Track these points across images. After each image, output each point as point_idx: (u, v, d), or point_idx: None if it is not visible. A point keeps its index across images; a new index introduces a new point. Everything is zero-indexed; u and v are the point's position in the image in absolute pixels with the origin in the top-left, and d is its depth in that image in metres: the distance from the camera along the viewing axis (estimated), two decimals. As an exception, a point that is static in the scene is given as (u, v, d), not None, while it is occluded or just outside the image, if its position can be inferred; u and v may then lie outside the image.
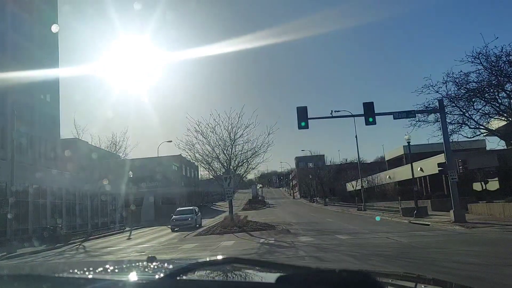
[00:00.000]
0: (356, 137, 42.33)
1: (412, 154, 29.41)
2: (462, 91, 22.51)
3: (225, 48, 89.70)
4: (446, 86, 22.47)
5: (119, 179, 41.71)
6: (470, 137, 24.17)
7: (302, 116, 21.19)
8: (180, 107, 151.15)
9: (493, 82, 21.76)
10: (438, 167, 23.18)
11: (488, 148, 37.71)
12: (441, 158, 30.55)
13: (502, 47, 20.83)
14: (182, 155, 33.55)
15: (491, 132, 24.38)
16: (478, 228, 17.11)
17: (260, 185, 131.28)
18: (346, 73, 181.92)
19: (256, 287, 1.55)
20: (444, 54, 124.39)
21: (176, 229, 28.83)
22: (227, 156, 26.33)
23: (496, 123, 24.61)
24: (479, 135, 24.52)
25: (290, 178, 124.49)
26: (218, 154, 26.59)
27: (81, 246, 21.81)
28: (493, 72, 21.49)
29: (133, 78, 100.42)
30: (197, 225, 30.74)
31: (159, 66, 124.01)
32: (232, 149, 26.29)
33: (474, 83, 22.10)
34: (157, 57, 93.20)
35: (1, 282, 1.55)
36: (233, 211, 26.69)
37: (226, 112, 27.32)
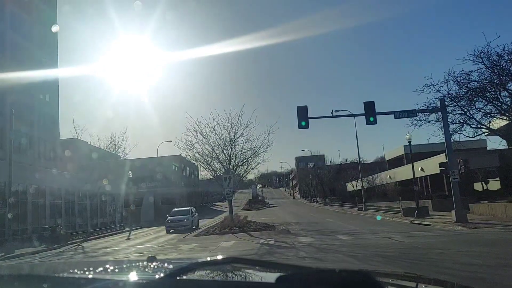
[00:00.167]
0: (356, 136, 42.23)
1: (413, 154, 29.26)
2: (463, 90, 22.36)
3: (225, 48, 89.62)
4: (448, 86, 22.33)
5: (118, 179, 41.61)
6: (472, 137, 24.02)
7: (302, 116, 21.05)
8: (180, 107, 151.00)
9: (495, 81, 21.60)
10: (440, 166, 23.02)
11: (489, 148, 37.60)
12: (442, 158, 30.38)
13: (504, 46, 20.66)
14: (182, 155, 33.35)
15: (493, 132, 24.22)
16: (480, 228, 16.96)
17: (260, 185, 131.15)
18: (346, 73, 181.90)
19: (256, 287, 1.54)
20: (444, 54, 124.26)
21: (171, 230, 28.00)
22: (226, 156, 26.19)
23: (498, 123, 24.46)
24: (480, 134, 24.37)
25: (290, 178, 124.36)
26: (217, 154, 26.46)
27: (80, 246, 21.70)
28: (495, 71, 21.32)
29: (133, 78, 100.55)
30: (194, 226, 29.73)
31: (159, 66, 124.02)
32: (231, 149, 26.16)
33: (476, 82, 21.95)
34: (157, 57, 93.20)
35: (1, 283, 1.54)
36: (233, 211, 26.53)
37: (226, 112, 27.21)
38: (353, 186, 52.17)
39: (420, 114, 22.88)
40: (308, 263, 10.20)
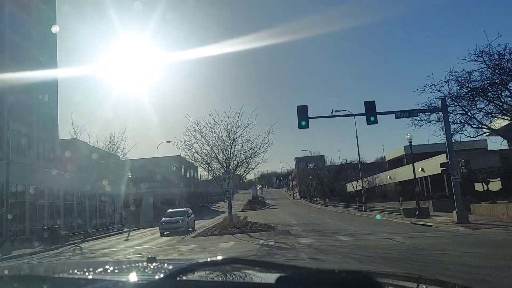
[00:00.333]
0: (356, 136, 42.09)
1: (413, 155, 29.09)
2: (464, 90, 22.20)
3: (225, 48, 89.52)
4: (449, 85, 22.18)
5: (118, 179, 41.46)
6: (473, 137, 23.86)
7: (303, 115, 20.89)
8: (180, 107, 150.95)
9: (496, 80, 21.43)
10: (441, 167, 22.85)
11: (489, 148, 37.49)
12: (442, 158, 30.24)
13: (506, 45, 20.51)
14: (181, 155, 33.14)
15: (494, 132, 24.06)
16: (482, 229, 16.78)
17: (260, 186, 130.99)
18: (346, 73, 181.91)
19: (256, 287, 1.54)
20: (445, 54, 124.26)
21: (165, 233, 26.59)
22: (226, 156, 26.03)
23: (499, 123, 24.30)
24: (481, 134, 24.20)
25: (290, 179, 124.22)
26: (217, 154, 26.31)
27: (78, 247, 21.53)
28: (496, 71, 21.16)
29: (132, 78, 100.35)
30: (190, 228, 28.28)
31: (159, 66, 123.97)
32: (231, 149, 26.01)
33: (477, 82, 21.78)
34: (157, 57, 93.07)
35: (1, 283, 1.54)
36: (232, 212, 26.35)
37: (226, 112, 27.08)
38: (353, 187, 52.02)
39: (420, 114, 22.73)
40: (309, 264, 10.05)
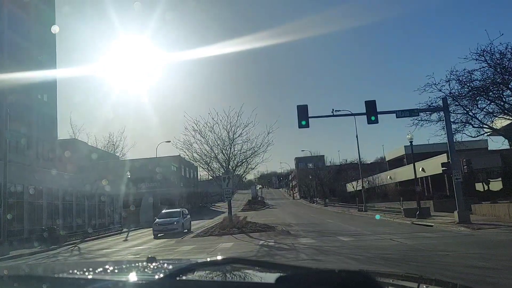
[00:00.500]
0: (356, 136, 41.95)
1: (414, 154, 28.94)
2: (465, 89, 22.02)
3: (225, 49, 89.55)
4: (449, 85, 21.97)
5: (117, 179, 41.34)
6: (474, 137, 23.68)
7: (303, 115, 20.74)
8: (179, 107, 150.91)
9: (498, 80, 21.26)
10: (442, 167, 22.71)
11: (490, 148, 37.33)
12: (443, 158, 30.14)
13: (507, 44, 20.30)
14: (180, 155, 32.96)
15: (495, 131, 23.89)
16: (484, 229, 16.62)
17: (260, 186, 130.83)
18: (346, 73, 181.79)
19: (256, 287, 1.53)
20: (445, 54, 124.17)
21: (159, 234, 25.08)
22: (225, 156, 25.88)
23: (500, 122, 24.13)
24: (483, 134, 24.03)
25: (290, 179, 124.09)
26: (216, 154, 26.13)
27: (76, 247, 21.36)
28: (498, 70, 20.99)
29: (132, 78, 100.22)
30: (185, 230, 26.84)
31: (159, 66, 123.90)
32: (231, 148, 25.85)
33: (478, 81, 21.61)
34: (157, 57, 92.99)
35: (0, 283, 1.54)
36: (232, 212, 26.19)
37: (225, 111, 26.89)
38: (353, 187, 51.87)
39: (421, 114, 22.55)
40: (309, 264, 9.89)
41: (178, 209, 29.41)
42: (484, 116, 22.51)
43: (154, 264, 1.80)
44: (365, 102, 20.96)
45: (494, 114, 22.48)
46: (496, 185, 31.52)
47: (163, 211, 29.38)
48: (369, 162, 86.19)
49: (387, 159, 67.24)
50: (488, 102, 22.13)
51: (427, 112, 22.76)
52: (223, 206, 61.19)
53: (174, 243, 20.36)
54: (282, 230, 22.29)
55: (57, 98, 43.55)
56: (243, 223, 24.32)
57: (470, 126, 22.90)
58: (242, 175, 30.28)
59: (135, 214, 44.02)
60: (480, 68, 21.05)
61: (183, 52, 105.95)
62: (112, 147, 60.38)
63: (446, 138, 21.39)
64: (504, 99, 21.70)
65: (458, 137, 22.90)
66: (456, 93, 22.08)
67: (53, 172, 32.78)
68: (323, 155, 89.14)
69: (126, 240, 25.16)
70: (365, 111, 21.12)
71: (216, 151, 26.05)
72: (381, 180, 52.93)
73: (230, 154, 25.81)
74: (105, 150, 60.31)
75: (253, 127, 25.92)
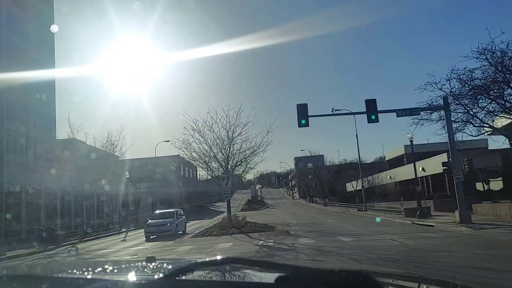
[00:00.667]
0: (356, 136, 41.81)
1: (414, 154, 28.79)
2: (466, 88, 21.87)
3: (225, 48, 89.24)
4: (450, 84, 21.83)
5: (116, 179, 41.14)
6: (475, 136, 23.54)
7: (302, 114, 20.58)
8: (179, 107, 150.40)
9: (499, 79, 21.11)
10: (443, 166, 22.56)
11: (490, 147, 37.18)
12: (443, 157, 29.96)
13: (508, 43, 20.13)
14: (180, 155, 32.77)
15: (496, 131, 23.75)
16: (486, 229, 16.46)
17: (259, 186, 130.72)
18: (346, 73, 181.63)
19: (255, 287, 1.53)
20: (445, 54, 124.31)
21: (152, 237, 23.68)
22: (225, 155, 25.67)
23: (501, 122, 23.99)
24: (483, 133, 23.89)
25: (289, 179, 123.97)
26: (215, 153, 25.91)
27: (73, 248, 21.17)
28: (499, 69, 20.84)
29: (131, 78, 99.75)
30: (180, 232, 25.49)
31: (158, 66, 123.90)
32: (230, 148, 25.63)
33: (479, 80, 21.46)
34: (156, 57, 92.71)
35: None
36: (231, 212, 26.02)
37: (224, 110, 26.66)
38: (353, 186, 51.72)
39: (422, 113, 22.41)
40: (309, 264, 9.73)
41: (173, 210, 28.00)
42: (484, 115, 22.39)
43: (153, 264, 1.80)
44: (366, 100, 20.83)
45: (495, 113, 22.35)
46: (496, 184, 31.37)
47: (157, 211, 28.27)
48: (368, 162, 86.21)
49: (387, 159, 67.11)
50: (489, 101, 21.99)
51: (428, 111, 22.63)
52: (222, 206, 61.03)
53: (172, 243, 20.19)
54: (282, 230, 22.11)
55: (55, 97, 43.36)
56: (242, 223, 24.15)
57: (471, 125, 22.78)
58: (241, 174, 30.09)
59: (134, 214, 43.85)
60: (481, 67, 20.92)
61: (183, 52, 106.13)
62: (111, 146, 60.08)
63: (447, 137, 21.25)
64: (505, 98, 21.55)
65: (458, 136, 22.80)
66: (456, 92, 21.95)
67: (51, 172, 32.60)
68: (323, 155, 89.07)
69: (124, 240, 24.99)
70: (365, 110, 20.98)
71: (215, 151, 25.87)
72: (381, 180, 52.77)
73: (229, 153, 25.62)
74: (104, 150, 60.06)
75: (253, 126, 25.70)
